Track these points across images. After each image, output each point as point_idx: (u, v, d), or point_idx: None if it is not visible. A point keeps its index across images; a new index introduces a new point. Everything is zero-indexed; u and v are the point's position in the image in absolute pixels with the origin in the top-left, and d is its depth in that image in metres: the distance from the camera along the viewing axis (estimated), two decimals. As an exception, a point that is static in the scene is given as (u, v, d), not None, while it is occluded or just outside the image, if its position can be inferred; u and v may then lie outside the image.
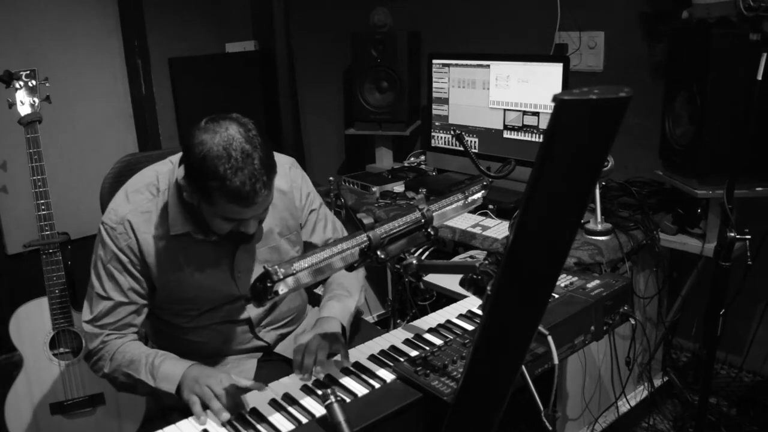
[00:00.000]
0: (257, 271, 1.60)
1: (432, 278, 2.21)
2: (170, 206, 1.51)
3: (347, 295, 1.71)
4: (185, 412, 1.34)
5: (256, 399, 1.33)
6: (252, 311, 1.65)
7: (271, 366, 1.67)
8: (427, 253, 2.41)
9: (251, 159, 1.32)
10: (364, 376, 1.37)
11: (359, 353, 1.48)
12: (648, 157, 2.43)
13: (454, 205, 1.46)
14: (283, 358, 1.70)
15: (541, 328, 1.23)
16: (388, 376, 1.35)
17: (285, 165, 1.67)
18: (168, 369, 1.45)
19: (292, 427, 1.22)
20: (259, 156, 1.33)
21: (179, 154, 1.55)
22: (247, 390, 1.34)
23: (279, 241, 1.66)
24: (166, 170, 1.55)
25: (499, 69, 2.56)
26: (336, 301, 1.68)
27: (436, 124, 2.85)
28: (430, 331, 1.57)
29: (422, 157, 3.18)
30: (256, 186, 1.32)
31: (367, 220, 1.28)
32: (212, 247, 1.55)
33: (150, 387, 1.46)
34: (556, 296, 1.49)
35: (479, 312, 1.64)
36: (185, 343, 1.63)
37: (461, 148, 2.45)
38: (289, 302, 1.75)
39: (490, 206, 2.39)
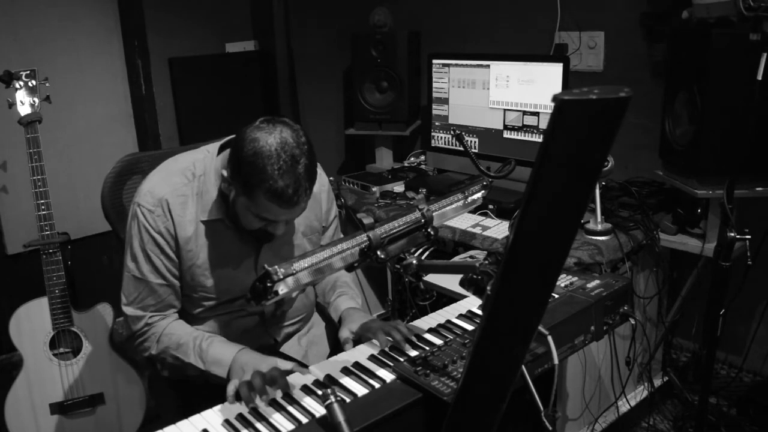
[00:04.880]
0: None
1: (432, 278, 2.21)
2: (209, 191, 1.53)
3: (356, 295, 1.76)
4: (185, 412, 1.33)
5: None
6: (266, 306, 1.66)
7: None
8: (427, 253, 2.41)
9: (298, 164, 1.36)
10: (364, 376, 1.37)
11: (359, 353, 1.48)
12: (648, 157, 2.43)
13: (454, 205, 1.46)
14: (286, 357, 1.70)
15: (541, 328, 1.23)
16: (388, 376, 1.35)
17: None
18: (217, 353, 1.48)
19: (292, 427, 1.22)
20: (305, 163, 1.38)
21: (214, 143, 1.59)
22: (290, 372, 1.37)
23: (302, 240, 1.70)
24: (202, 157, 1.58)
25: (499, 69, 2.56)
26: (350, 299, 1.73)
27: (436, 124, 2.85)
28: (430, 331, 1.57)
29: (422, 157, 3.18)
30: (298, 191, 1.37)
31: (367, 220, 1.29)
32: (240, 238, 1.58)
33: (200, 370, 1.49)
34: (556, 296, 1.49)
35: (479, 312, 1.63)
36: None
37: (461, 148, 2.45)
38: (301, 300, 1.76)
39: (490, 206, 2.39)
